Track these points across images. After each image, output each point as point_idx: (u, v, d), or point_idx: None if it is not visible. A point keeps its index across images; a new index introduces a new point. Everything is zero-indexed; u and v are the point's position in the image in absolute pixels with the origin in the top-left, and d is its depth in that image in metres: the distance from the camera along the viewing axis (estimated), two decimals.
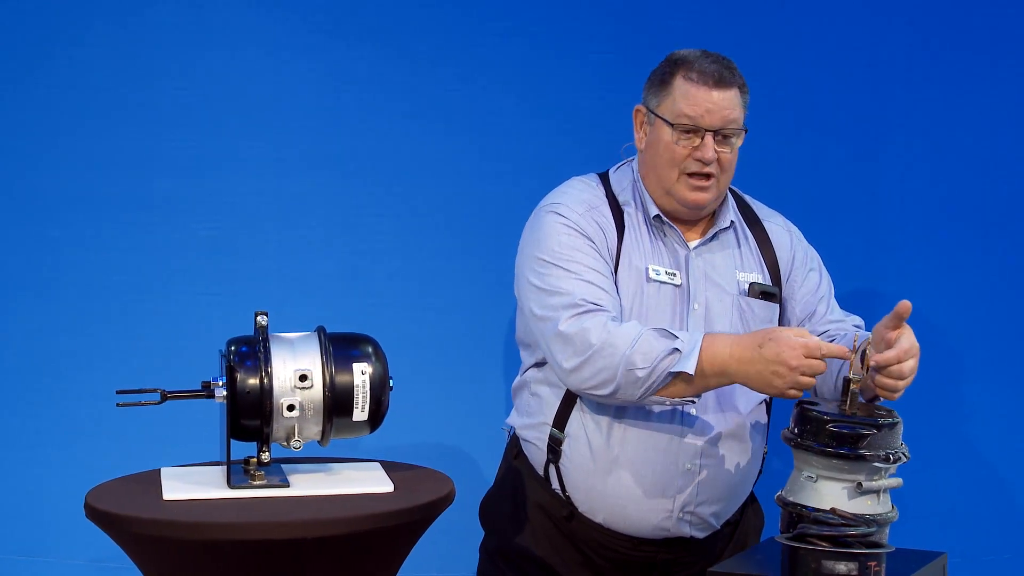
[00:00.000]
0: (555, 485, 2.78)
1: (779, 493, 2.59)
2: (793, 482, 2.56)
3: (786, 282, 2.83)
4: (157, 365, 3.25)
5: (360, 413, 2.39)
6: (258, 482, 2.39)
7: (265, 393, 2.34)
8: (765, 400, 2.81)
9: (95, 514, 2.31)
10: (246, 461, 2.42)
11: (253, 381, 2.35)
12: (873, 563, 2.47)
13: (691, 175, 2.70)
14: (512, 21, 3.35)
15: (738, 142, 2.72)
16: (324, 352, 2.38)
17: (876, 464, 2.48)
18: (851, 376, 2.51)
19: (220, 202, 3.33)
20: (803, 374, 2.52)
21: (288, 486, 2.39)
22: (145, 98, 3.32)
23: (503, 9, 3.36)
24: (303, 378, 2.36)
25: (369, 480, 2.45)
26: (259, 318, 2.41)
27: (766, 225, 2.85)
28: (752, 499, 2.90)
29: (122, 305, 3.31)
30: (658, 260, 2.74)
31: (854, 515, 2.47)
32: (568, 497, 2.77)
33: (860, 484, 2.48)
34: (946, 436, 3.37)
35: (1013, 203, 3.42)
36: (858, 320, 2.87)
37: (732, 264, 2.79)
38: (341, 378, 2.37)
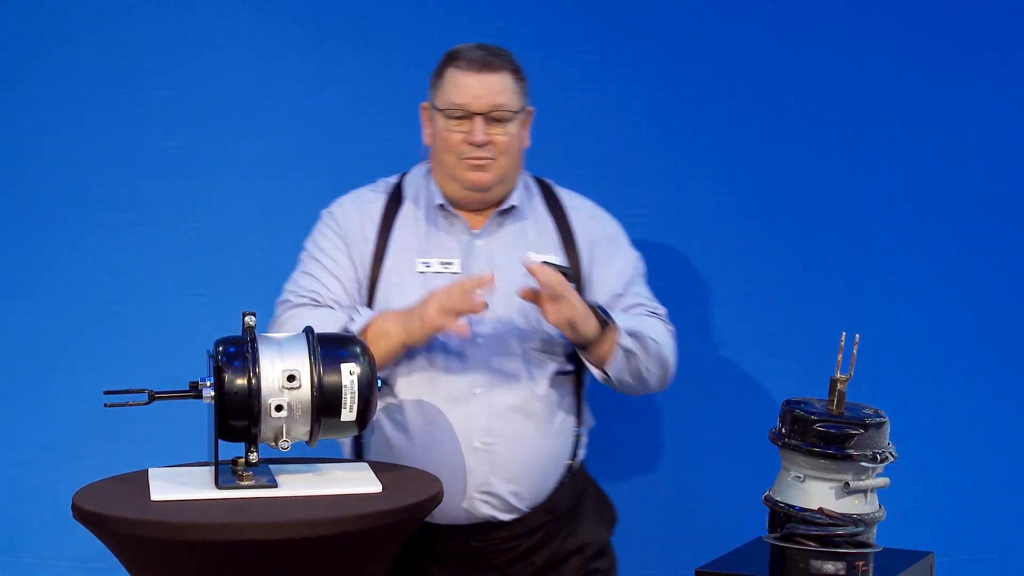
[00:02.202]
0: None
1: (766, 493, 2.59)
2: (780, 482, 2.57)
3: (589, 264, 2.85)
4: (144, 365, 3.24)
5: (348, 413, 2.39)
6: (246, 483, 2.39)
7: (253, 393, 2.34)
8: (571, 374, 2.82)
9: (82, 515, 2.31)
10: (234, 462, 2.42)
11: (241, 382, 2.34)
12: (860, 563, 2.47)
13: (466, 158, 2.78)
14: (500, 22, 3.35)
15: (514, 127, 2.79)
16: (312, 352, 2.38)
17: (863, 464, 2.49)
18: (838, 375, 2.51)
19: (207, 202, 3.32)
20: (440, 302, 2.61)
21: (276, 486, 2.39)
22: (132, 98, 3.31)
23: (491, 10, 3.36)
24: (291, 378, 2.35)
25: (357, 480, 2.45)
26: (247, 318, 2.41)
27: (569, 213, 2.89)
28: (593, 488, 2.92)
29: (109, 305, 3.31)
30: (433, 251, 2.80)
31: (841, 515, 2.48)
32: None
33: (847, 484, 2.49)
34: (933, 436, 3.37)
35: (1002, 201, 3.43)
36: (661, 311, 2.88)
37: (524, 247, 2.80)
38: (329, 378, 2.37)
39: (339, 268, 2.80)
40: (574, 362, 2.83)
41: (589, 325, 2.70)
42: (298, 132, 3.34)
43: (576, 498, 2.87)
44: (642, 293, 2.89)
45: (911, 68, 3.40)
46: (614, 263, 2.87)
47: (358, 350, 2.41)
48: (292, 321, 2.73)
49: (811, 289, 3.38)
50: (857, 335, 2.59)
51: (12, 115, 3.31)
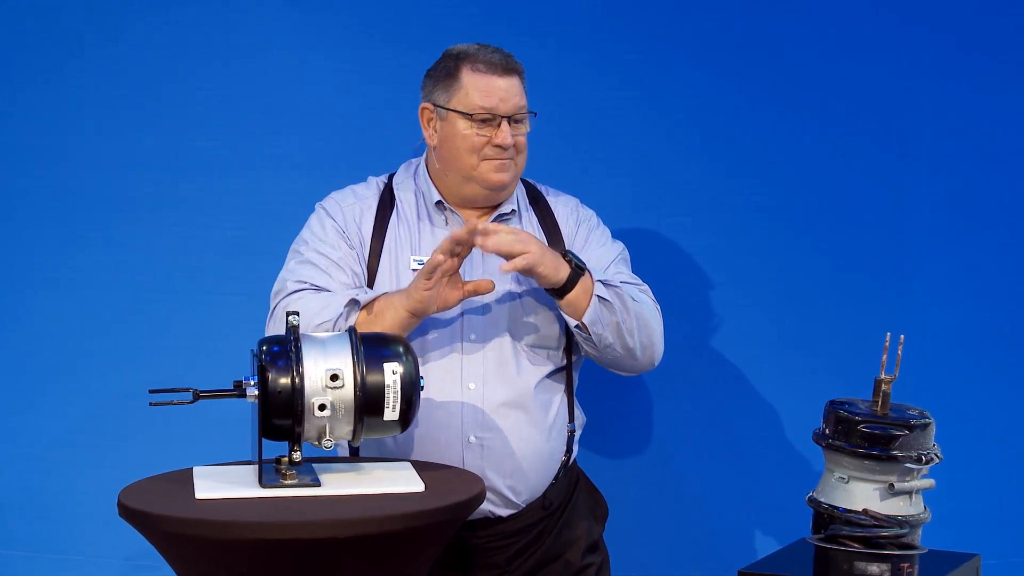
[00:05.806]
0: None
1: (810, 494, 2.58)
2: (824, 483, 2.56)
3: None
4: (188, 364, 3.26)
5: (391, 413, 2.39)
6: (289, 481, 2.40)
7: (296, 393, 2.35)
8: (562, 370, 2.82)
9: (128, 513, 2.32)
10: (277, 460, 2.43)
11: (285, 381, 2.35)
12: (906, 564, 2.46)
13: (490, 159, 2.78)
14: (540, 23, 3.35)
15: (528, 126, 2.81)
16: (355, 352, 2.38)
17: (908, 465, 2.48)
18: (882, 376, 2.50)
19: (248, 201, 3.33)
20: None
21: (319, 485, 2.40)
22: (172, 98, 3.32)
23: (531, 10, 3.36)
24: (334, 378, 2.36)
25: (400, 480, 2.46)
26: (290, 318, 2.42)
27: (553, 207, 2.91)
28: (584, 482, 2.92)
29: (151, 304, 3.32)
30: (427, 250, 2.78)
31: (886, 516, 2.47)
32: None
33: (892, 485, 2.48)
34: (979, 437, 3.35)
35: None
36: (645, 287, 2.85)
37: None
38: (372, 378, 2.38)
39: (343, 257, 2.79)
40: (566, 358, 2.84)
41: (559, 271, 2.68)
42: (339, 132, 3.35)
43: (569, 493, 2.88)
44: (625, 272, 2.87)
45: (953, 67, 3.38)
46: (593, 247, 2.87)
47: (401, 349, 2.42)
48: (292, 306, 2.69)
49: (854, 290, 3.36)
50: (902, 336, 2.58)
51: (53, 115, 3.33)
